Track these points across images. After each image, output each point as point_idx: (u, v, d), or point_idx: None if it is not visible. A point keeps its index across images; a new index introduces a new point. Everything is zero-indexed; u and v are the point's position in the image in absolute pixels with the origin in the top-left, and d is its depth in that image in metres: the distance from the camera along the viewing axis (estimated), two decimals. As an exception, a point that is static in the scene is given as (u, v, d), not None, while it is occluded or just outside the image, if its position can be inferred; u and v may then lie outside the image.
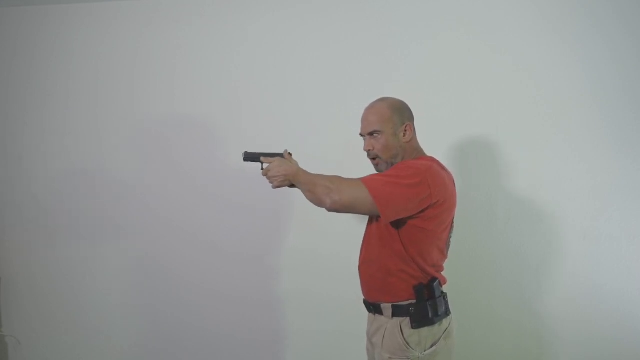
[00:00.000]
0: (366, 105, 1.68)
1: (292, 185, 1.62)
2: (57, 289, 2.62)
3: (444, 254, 1.66)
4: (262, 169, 1.66)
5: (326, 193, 1.50)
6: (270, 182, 1.64)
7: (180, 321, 2.55)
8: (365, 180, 1.51)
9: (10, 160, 2.62)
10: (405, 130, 1.62)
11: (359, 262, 1.70)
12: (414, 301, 1.55)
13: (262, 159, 1.68)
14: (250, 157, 1.72)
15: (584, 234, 2.19)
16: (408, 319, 1.55)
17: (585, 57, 2.16)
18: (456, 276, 2.26)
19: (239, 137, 2.42)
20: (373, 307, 1.65)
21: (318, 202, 1.54)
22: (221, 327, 2.52)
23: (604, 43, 2.15)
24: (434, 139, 2.25)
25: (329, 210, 1.53)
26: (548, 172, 2.20)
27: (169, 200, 2.50)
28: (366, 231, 1.71)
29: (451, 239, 1.71)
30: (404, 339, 1.54)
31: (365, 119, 1.65)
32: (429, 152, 1.72)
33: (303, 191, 1.59)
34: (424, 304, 1.54)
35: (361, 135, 1.68)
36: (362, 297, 1.71)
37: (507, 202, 2.23)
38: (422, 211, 1.51)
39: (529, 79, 2.20)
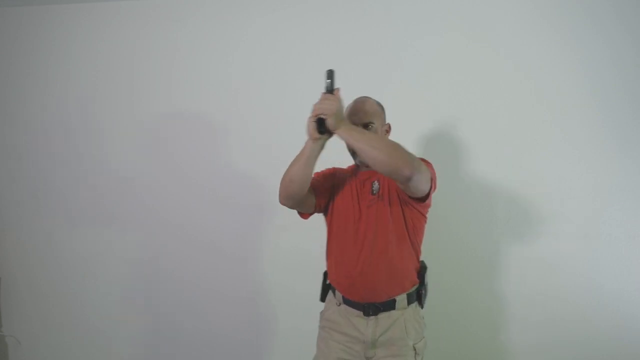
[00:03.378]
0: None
1: (323, 132, 1.45)
2: (57, 289, 2.62)
3: None
4: (326, 91, 1.47)
5: (409, 161, 1.37)
6: (321, 109, 1.44)
7: (180, 321, 2.55)
8: (421, 159, 1.49)
9: (10, 160, 2.62)
10: (387, 130, 1.68)
11: (362, 264, 1.58)
12: (417, 284, 1.66)
13: (335, 91, 1.47)
14: (331, 79, 1.48)
15: (584, 233, 2.19)
16: (417, 301, 1.66)
17: (585, 57, 2.16)
18: (456, 276, 2.28)
19: (238, 137, 2.43)
20: (383, 306, 1.59)
21: (392, 168, 1.38)
22: (221, 327, 2.52)
23: (604, 43, 2.14)
24: (434, 139, 2.27)
25: (405, 180, 1.39)
26: (548, 172, 2.20)
27: (169, 200, 2.51)
28: (360, 231, 1.60)
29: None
30: (422, 319, 1.69)
31: (360, 110, 1.58)
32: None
33: (363, 147, 1.39)
34: (424, 284, 1.67)
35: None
36: (360, 302, 1.61)
37: (507, 202, 2.23)
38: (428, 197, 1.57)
39: (529, 78, 2.20)
